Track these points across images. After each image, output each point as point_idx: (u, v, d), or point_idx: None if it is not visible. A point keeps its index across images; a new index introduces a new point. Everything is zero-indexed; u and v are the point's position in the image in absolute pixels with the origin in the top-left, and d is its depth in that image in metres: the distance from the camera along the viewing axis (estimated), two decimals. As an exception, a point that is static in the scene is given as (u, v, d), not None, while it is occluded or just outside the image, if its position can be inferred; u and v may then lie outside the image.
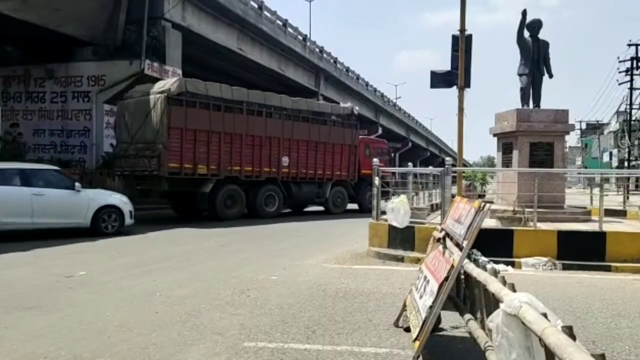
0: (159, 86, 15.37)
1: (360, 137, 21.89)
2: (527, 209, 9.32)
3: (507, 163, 11.86)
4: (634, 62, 36.44)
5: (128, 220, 12.37)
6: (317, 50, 33.46)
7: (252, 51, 26.29)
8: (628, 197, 16.30)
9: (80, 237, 11.19)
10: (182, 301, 5.79)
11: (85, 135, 20.55)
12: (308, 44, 31.80)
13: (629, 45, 36.47)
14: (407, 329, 4.53)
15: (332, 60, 35.86)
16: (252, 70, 28.66)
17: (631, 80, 36.84)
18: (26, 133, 21.24)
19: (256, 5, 25.45)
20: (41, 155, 20.57)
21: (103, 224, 11.89)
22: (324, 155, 18.66)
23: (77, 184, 11.70)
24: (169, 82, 15.33)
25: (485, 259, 3.94)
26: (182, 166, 15.02)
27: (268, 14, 26.67)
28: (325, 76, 34.78)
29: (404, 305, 4.88)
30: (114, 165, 17.30)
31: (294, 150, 17.87)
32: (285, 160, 17.64)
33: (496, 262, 6.26)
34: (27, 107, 21.31)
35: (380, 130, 50.06)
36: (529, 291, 6.15)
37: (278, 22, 27.87)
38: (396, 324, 4.89)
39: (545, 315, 1.94)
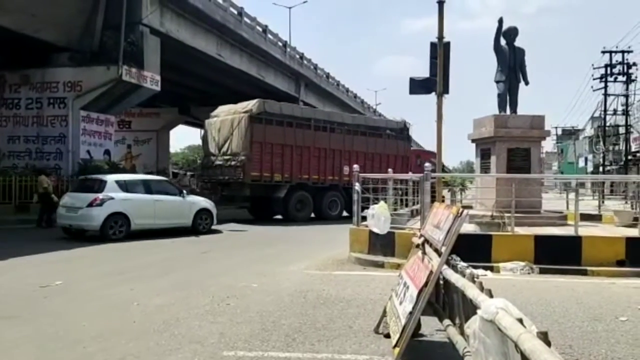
0: (241, 107, 17.98)
1: (413, 148, 24.32)
2: (505, 214, 9.43)
3: (485, 168, 12.01)
4: (608, 69, 37.21)
5: (215, 221, 14.62)
6: (298, 56, 33.51)
7: (232, 57, 26.21)
8: (603, 202, 16.61)
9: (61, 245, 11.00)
10: (161, 310, 5.71)
11: (61, 142, 20.20)
12: (288, 50, 31.83)
13: (603, 52, 37.21)
14: (388, 335, 4.53)
15: (312, 67, 35.93)
16: (232, 76, 28.56)
17: (605, 87, 37.59)
18: (1, 140, 20.81)
19: (236, 12, 25.40)
20: (16, 162, 20.16)
21: (199, 223, 14.08)
22: (379, 165, 20.06)
23: (184, 192, 14.44)
24: (250, 104, 17.68)
25: (464, 264, 3.96)
26: (262, 174, 17.50)
27: (248, 20, 26.63)
28: (306, 82, 34.84)
29: (384, 312, 4.89)
30: (202, 175, 20.07)
31: (354, 160, 19.27)
32: (346, 169, 18.97)
33: (475, 267, 6.28)
34: (1, 114, 20.88)
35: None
36: (507, 296, 6.22)
37: (258, 28, 27.85)
38: (376, 331, 4.89)
39: (520, 320, 1.96)
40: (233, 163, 17.44)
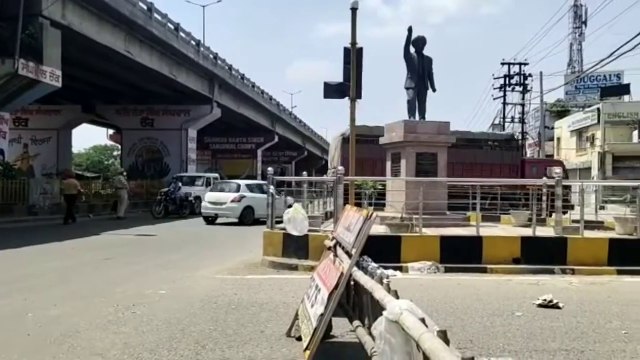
0: (340, 133, 21.97)
1: (528, 158, 27.67)
2: (414, 216, 9.80)
3: (395, 172, 12.41)
4: (507, 79, 39.99)
5: None
6: (212, 56, 32.80)
7: (141, 54, 25.17)
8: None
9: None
10: (58, 321, 5.33)
11: (-50, 141, 18.41)
12: (202, 49, 31.08)
13: (502, 64, 39.98)
14: (299, 338, 4.53)
15: (227, 67, 35.34)
16: (142, 74, 27.47)
17: (504, 96, 40.35)
18: None
19: (145, 7, 24.41)
20: None
21: None
22: (479, 174, 20.31)
23: (281, 192, 17.05)
24: (345, 129, 20.73)
25: (375, 265, 4.04)
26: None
27: (158, 17, 25.69)
28: (220, 83, 34.21)
29: (296, 315, 4.88)
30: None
31: (449, 170, 19.51)
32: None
33: (386, 268, 6.44)
34: None
35: (276, 139, 50.27)
36: (414, 294, 6.46)
37: (169, 25, 26.94)
38: (288, 334, 4.87)
39: (423, 320, 2.02)
40: (332, 174, 20.38)
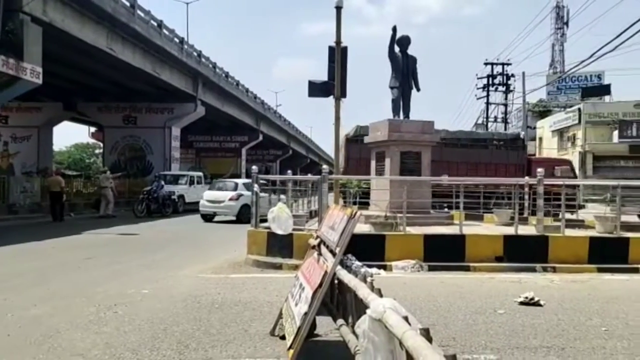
0: (345, 132, 20.94)
1: (535, 157, 27.62)
2: (398, 214, 9.83)
3: (380, 171, 12.45)
4: (490, 79, 40.40)
5: None
6: (195, 54, 32.53)
7: (124, 51, 24.87)
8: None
9: None
10: (38, 321, 5.26)
11: None
12: (185, 47, 30.81)
13: (486, 64, 40.38)
14: (283, 337, 4.51)
15: (211, 65, 35.08)
16: (124, 71, 27.15)
17: (487, 96, 40.76)
18: None
19: (128, 4, 24.12)
20: None
21: None
22: (484, 173, 20.36)
23: (277, 192, 17.47)
24: (350, 128, 21.19)
25: (359, 264, 4.05)
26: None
27: (141, 14, 25.39)
28: (204, 81, 33.95)
29: (280, 314, 4.87)
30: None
31: (453, 170, 19.33)
32: (445, 177, 18.81)
33: (370, 266, 6.48)
34: None
35: (261, 137, 50.10)
36: (398, 293, 6.48)
37: (152, 22, 26.65)
38: (272, 333, 4.86)
39: (406, 318, 2.03)
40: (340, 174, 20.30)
